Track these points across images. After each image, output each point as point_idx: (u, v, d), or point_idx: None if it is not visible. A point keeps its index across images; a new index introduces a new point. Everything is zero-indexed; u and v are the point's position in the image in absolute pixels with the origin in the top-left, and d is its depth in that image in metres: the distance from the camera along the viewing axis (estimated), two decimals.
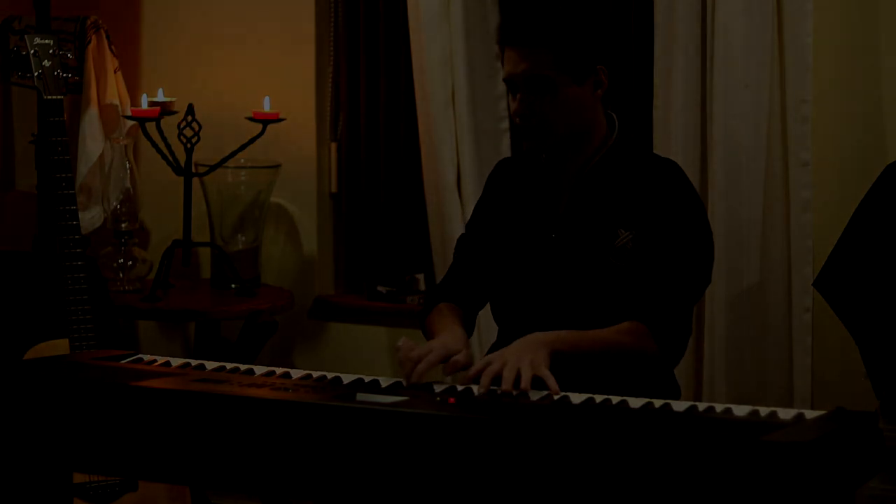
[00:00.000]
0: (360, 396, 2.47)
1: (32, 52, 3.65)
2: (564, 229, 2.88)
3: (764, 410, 2.34)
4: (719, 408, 2.38)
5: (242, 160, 4.24)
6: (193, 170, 4.21)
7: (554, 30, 2.80)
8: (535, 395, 2.51)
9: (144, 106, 4.20)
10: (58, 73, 3.65)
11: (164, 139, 4.17)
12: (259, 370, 2.71)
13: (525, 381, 2.52)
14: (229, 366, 2.75)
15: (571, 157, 2.90)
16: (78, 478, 3.49)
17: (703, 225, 2.89)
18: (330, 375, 2.66)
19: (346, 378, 2.64)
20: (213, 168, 4.20)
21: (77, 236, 3.55)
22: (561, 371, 2.59)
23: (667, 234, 2.81)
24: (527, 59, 2.81)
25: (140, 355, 2.82)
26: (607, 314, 2.78)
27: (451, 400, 2.47)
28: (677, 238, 2.81)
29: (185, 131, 4.19)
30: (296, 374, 2.69)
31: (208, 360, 2.78)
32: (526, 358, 2.56)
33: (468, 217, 3.27)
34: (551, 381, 2.53)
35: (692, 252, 2.84)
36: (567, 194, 2.90)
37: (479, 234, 3.04)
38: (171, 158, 4.19)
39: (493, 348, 2.96)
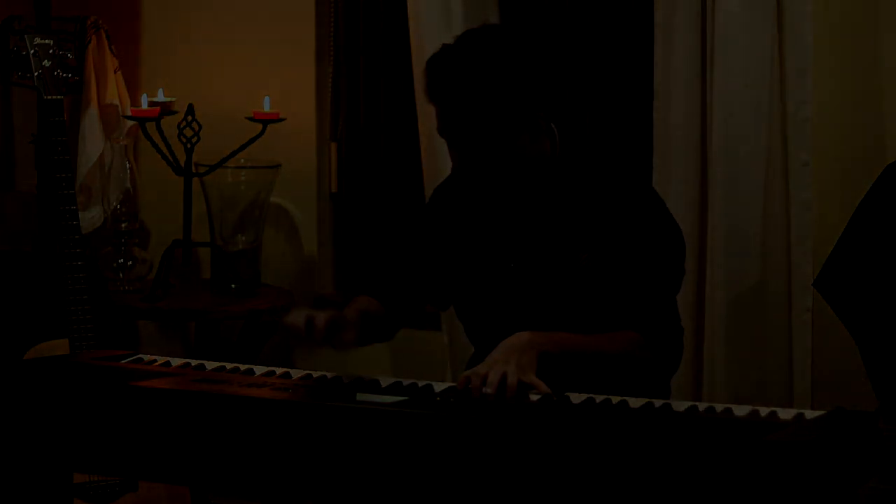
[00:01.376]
0: (360, 396, 2.47)
1: (32, 52, 3.65)
2: (522, 258, 2.82)
3: (764, 410, 2.34)
4: (719, 408, 2.38)
5: (242, 160, 4.24)
6: (193, 170, 4.21)
7: (473, 102, 2.64)
8: (535, 396, 2.50)
9: (144, 106, 4.20)
10: (58, 73, 3.65)
11: (164, 139, 4.17)
12: (259, 370, 2.71)
13: (510, 388, 2.49)
14: (229, 366, 2.75)
15: (517, 187, 2.79)
16: (78, 478, 3.49)
17: (664, 218, 2.82)
18: (330, 375, 2.66)
19: (346, 378, 2.64)
20: (213, 168, 4.20)
21: (77, 236, 3.55)
22: (552, 374, 2.58)
23: (632, 240, 2.75)
24: (449, 122, 2.69)
25: (140, 355, 2.82)
26: (581, 330, 2.74)
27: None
28: (643, 241, 2.76)
29: (185, 131, 4.19)
30: (296, 374, 2.69)
31: (208, 360, 2.79)
32: (512, 362, 2.54)
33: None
34: (542, 387, 2.51)
35: (661, 249, 2.79)
36: (517, 221, 2.83)
37: (427, 252, 2.95)
38: (171, 158, 4.19)
39: (472, 361, 2.94)
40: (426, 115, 4.02)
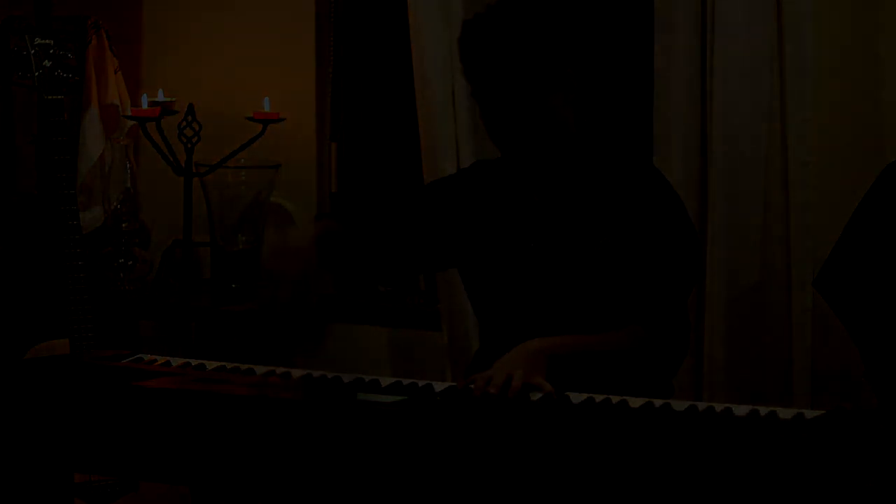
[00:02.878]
0: (361, 396, 2.48)
1: (32, 52, 3.65)
2: (542, 238, 2.86)
3: (764, 410, 2.34)
4: (719, 408, 2.39)
5: (242, 160, 4.24)
6: (193, 170, 4.21)
7: (503, 52, 2.74)
8: (535, 395, 2.51)
9: (144, 106, 4.20)
10: (58, 73, 3.65)
11: (164, 139, 4.17)
12: (259, 370, 2.71)
13: (513, 389, 2.50)
14: (229, 366, 2.75)
15: (541, 162, 2.86)
16: (78, 478, 3.50)
17: (684, 221, 2.88)
18: (330, 375, 2.66)
19: (346, 378, 2.64)
20: (213, 168, 4.20)
21: (77, 236, 3.55)
22: (559, 375, 2.58)
23: (650, 235, 2.79)
24: (485, 81, 2.78)
25: (140, 355, 2.82)
26: (593, 318, 2.77)
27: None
28: (661, 238, 2.80)
29: (185, 131, 4.19)
30: (296, 373, 2.69)
31: (208, 360, 2.79)
32: (521, 365, 2.55)
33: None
34: (546, 388, 2.53)
35: (678, 249, 2.83)
36: (539, 199, 2.88)
37: (430, 208, 3.00)
38: (171, 158, 4.19)
39: (478, 357, 2.95)
40: (426, 114, 4.02)
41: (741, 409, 2.35)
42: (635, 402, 2.43)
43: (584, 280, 2.81)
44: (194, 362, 2.76)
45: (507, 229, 2.90)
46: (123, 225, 4.27)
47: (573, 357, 2.67)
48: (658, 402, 2.42)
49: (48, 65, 3.64)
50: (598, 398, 2.46)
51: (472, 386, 2.53)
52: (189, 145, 4.19)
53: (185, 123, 4.19)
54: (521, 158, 2.86)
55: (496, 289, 2.93)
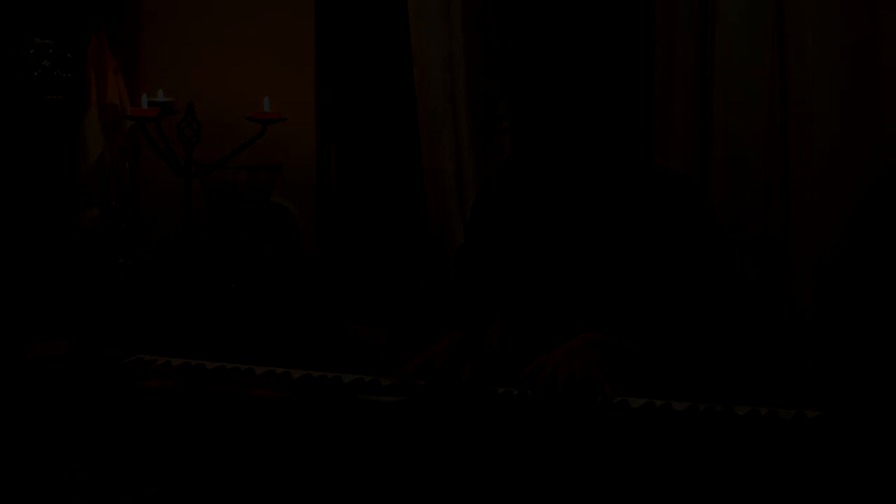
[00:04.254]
0: (361, 396, 2.48)
1: (32, 51, 3.65)
2: (573, 237, 2.86)
3: (764, 410, 2.34)
4: (719, 407, 2.39)
5: (243, 160, 4.24)
6: (193, 170, 4.21)
7: (568, 61, 2.81)
8: (534, 395, 2.51)
9: (144, 106, 4.20)
10: (57, 73, 3.65)
11: (164, 139, 4.17)
12: (259, 370, 2.71)
13: (578, 378, 2.51)
14: (229, 366, 2.75)
15: (579, 164, 2.86)
16: (78, 478, 3.49)
17: (720, 230, 2.88)
18: (330, 375, 2.66)
19: (346, 378, 2.64)
20: (213, 168, 4.20)
21: (77, 236, 3.55)
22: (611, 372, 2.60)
23: (693, 252, 2.79)
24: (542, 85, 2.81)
25: (140, 355, 2.83)
26: (619, 318, 2.76)
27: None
28: (705, 256, 2.80)
29: (185, 131, 4.19)
30: (296, 374, 2.69)
31: (208, 360, 2.79)
32: (579, 359, 2.56)
33: (468, 216, 3.26)
34: (605, 384, 2.53)
35: (720, 268, 2.83)
36: (569, 198, 2.88)
37: (481, 243, 3.01)
38: (171, 158, 4.19)
39: (495, 354, 2.95)
40: (426, 114, 4.02)
41: (741, 409, 2.36)
42: (636, 402, 2.43)
43: (612, 281, 2.80)
44: (194, 362, 2.76)
45: (535, 227, 2.90)
46: (123, 225, 4.27)
47: (624, 356, 2.66)
48: (658, 402, 2.42)
49: (48, 65, 3.64)
50: (599, 398, 2.46)
51: (537, 376, 2.52)
52: (189, 145, 4.19)
53: (184, 123, 4.19)
54: (561, 162, 2.85)
55: (522, 286, 2.93)
